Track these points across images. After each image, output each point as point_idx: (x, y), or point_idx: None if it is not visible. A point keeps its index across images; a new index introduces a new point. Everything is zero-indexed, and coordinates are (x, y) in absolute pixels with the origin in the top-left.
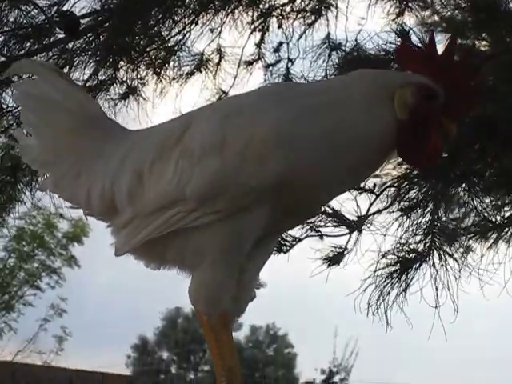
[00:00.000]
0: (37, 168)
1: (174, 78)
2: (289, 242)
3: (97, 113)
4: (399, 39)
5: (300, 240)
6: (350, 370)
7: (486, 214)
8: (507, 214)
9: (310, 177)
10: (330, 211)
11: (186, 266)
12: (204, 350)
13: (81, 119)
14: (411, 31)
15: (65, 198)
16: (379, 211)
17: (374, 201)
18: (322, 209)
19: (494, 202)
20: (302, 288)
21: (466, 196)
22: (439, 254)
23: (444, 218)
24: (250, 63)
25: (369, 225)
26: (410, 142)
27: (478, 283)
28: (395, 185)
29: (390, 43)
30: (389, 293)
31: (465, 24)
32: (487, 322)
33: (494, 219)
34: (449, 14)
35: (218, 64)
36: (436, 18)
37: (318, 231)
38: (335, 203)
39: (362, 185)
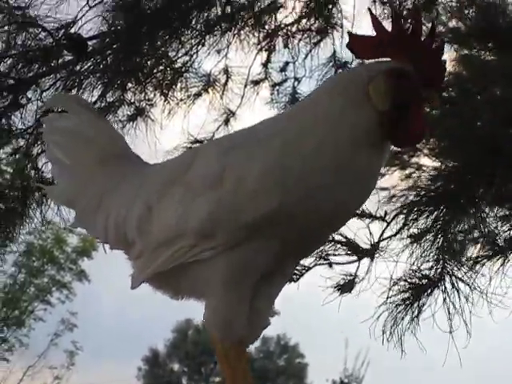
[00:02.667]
0: (61, 205)
1: (181, 99)
2: (298, 270)
3: (122, 147)
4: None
5: (309, 268)
6: (362, 380)
7: (493, 238)
8: None
9: (307, 207)
10: (343, 239)
11: (198, 295)
12: (215, 362)
13: (104, 153)
14: None
15: (89, 231)
16: (389, 237)
17: (385, 228)
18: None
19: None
20: (314, 298)
21: (474, 221)
22: (451, 280)
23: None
24: (256, 83)
25: (381, 252)
26: (399, 128)
27: (487, 307)
28: (405, 212)
29: None
30: (402, 319)
31: (471, 34)
32: (499, 345)
33: (500, 243)
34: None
35: (225, 84)
36: (442, 28)
37: (327, 259)
38: (348, 231)
39: (373, 212)
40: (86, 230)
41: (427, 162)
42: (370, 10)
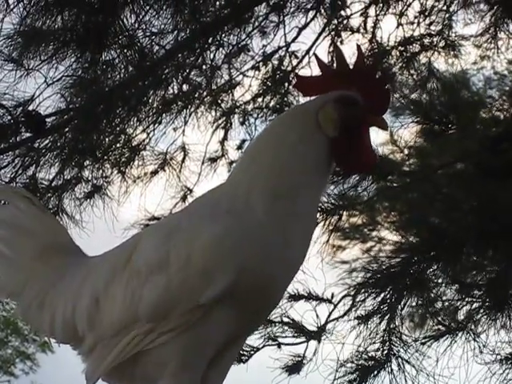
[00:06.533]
0: (5, 298)
1: (138, 177)
2: (247, 351)
3: (64, 239)
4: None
5: (258, 349)
6: None
7: (440, 319)
8: (461, 318)
9: (263, 270)
10: (290, 321)
11: (150, 379)
12: None
13: (46, 246)
14: None
15: (33, 327)
16: (337, 319)
17: (332, 310)
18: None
19: (448, 307)
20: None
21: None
22: (397, 361)
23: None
24: (214, 160)
25: (328, 334)
26: (348, 154)
27: None
28: (351, 294)
29: None
30: None
31: (432, 108)
32: None
33: (448, 323)
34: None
35: (183, 161)
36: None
37: (276, 340)
38: (295, 314)
39: (320, 295)
40: (30, 325)
41: (388, 235)
42: (315, 55)
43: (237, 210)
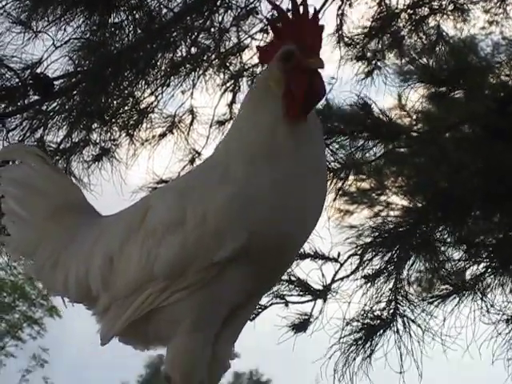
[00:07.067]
0: (18, 257)
1: (146, 140)
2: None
3: (77, 199)
4: None
5: (266, 307)
6: None
7: (447, 279)
8: (468, 278)
9: (275, 230)
10: (296, 280)
11: (165, 339)
12: None
13: (59, 206)
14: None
15: (46, 286)
16: (343, 278)
17: (338, 269)
18: (289, 278)
19: (455, 267)
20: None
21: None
22: (403, 321)
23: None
24: (222, 123)
25: (334, 293)
26: (296, 101)
27: (441, 348)
28: (359, 253)
29: (362, 98)
30: (354, 359)
31: (440, 72)
32: None
33: (455, 282)
34: (423, 61)
35: (191, 124)
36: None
37: (283, 299)
38: (300, 272)
39: (326, 254)
40: (43, 285)
41: (396, 200)
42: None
43: (244, 171)
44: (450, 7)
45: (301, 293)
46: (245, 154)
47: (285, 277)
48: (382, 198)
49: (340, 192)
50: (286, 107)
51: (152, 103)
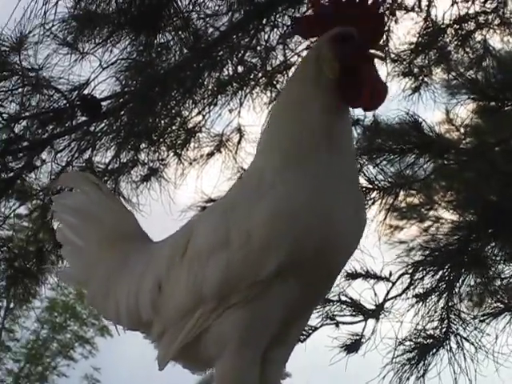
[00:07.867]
0: (74, 285)
1: (194, 159)
2: (305, 330)
3: (130, 226)
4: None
5: (316, 329)
6: None
7: (498, 296)
8: None
9: (323, 244)
10: (347, 300)
11: (213, 357)
12: None
13: (113, 233)
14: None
15: (101, 314)
16: (395, 297)
17: (390, 289)
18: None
19: (507, 284)
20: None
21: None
22: (456, 339)
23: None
24: None
25: (386, 313)
26: (354, 92)
27: (493, 366)
28: (409, 272)
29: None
30: (408, 379)
31: (489, 86)
32: None
33: (507, 300)
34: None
35: (239, 143)
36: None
37: (334, 319)
38: (353, 292)
39: (378, 273)
40: (98, 312)
41: (445, 215)
42: None
43: (281, 181)
44: (497, 21)
45: (353, 313)
46: (277, 157)
47: (336, 297)
48: (432, 212)
49: (389, 208)
50: (352, 96)
51: (199, 122)
